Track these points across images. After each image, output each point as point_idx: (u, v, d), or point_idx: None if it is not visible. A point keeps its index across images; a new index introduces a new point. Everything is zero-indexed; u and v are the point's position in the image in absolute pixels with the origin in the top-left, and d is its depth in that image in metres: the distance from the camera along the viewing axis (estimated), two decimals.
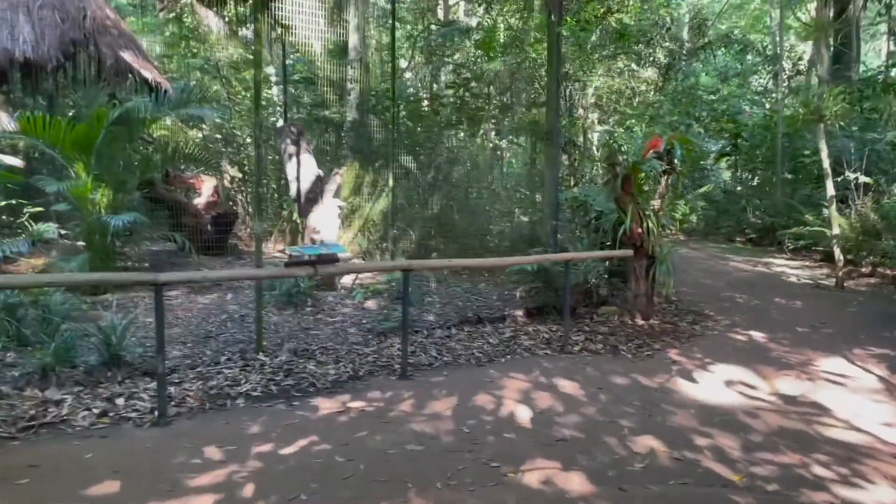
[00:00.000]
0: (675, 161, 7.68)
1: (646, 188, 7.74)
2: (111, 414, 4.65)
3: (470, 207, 11.81)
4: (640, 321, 7.93)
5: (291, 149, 8.53)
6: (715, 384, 6.07)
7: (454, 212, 11.58)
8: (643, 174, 7.68)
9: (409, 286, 5.92)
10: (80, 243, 9.21)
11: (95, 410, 4.65)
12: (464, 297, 9.01)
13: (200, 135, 14.86)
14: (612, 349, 7.08)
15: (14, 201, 9.64)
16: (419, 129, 14.26)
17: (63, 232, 10.13)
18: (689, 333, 7.71)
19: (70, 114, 9.17)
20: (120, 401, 4.86)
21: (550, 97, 8.72)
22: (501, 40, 14.10)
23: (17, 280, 3.60)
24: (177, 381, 5.37)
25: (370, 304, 8.33)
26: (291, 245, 13.03)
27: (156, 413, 4.61)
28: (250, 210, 14.91)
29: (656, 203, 7.86)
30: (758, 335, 7.74)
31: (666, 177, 7.78)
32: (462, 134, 16.01)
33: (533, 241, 8.97)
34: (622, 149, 7.82)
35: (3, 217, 10.00)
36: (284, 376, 5.64)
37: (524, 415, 5.06)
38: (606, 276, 8.38)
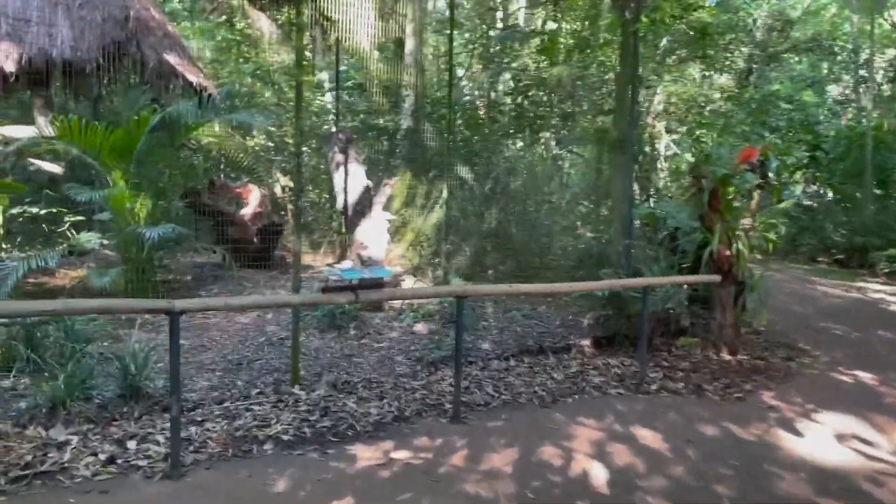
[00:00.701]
0: (770, 174, 6.76)
1: (736, 204, 6.83)
2: (119, 461, 4.05)
3: (529, 222, 11.03)
4: (725, 356, 7.02)
5: (339, 157, 7.94)
6: (824, 438, 5.15)
7: (512, 226, 10.80)
8: (733, 188, 6.78)
9: (462, 314, 5.19)
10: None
11: (102, 456, 4.05)
12: (522, 321, 8.23)
13: (251, 142, 14.52)
14: (695, 389, 6.21)
15: (55, 209, 9.33)
16: (476, 138, 13.57)
17: (105, 242, 9.80)
18: (783, 372, 6.76)
19: (112, 119, 8.80)
20: (132, 444, 4.27)
21: (623, 103, 7.90)
22: (565, 44, 13.31)
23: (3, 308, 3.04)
24: (199, 419, 4.75)
25: (420, 327, 7.63)
26: (339, 260, 12.49)
27: (169, 461, 3.99)
28: (302, 219, 14.46)
29: (747, 221, 6.94)
30: (865, 376, 6.74)
31: (759, 192, 6.86)
32: (520, 143, 15.27)
33: (601, 261, 8.14)
34: (711, 158, 6.94)
35: (44, 226, 9.71)
36: (321, 416, 4.97)
37: (599, 475, 4.27)
38: (686, 303, 7.47)
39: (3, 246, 9.06)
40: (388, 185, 8.17)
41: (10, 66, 7.52)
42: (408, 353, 6.82)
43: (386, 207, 8.46)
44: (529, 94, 15.25)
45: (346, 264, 11.06)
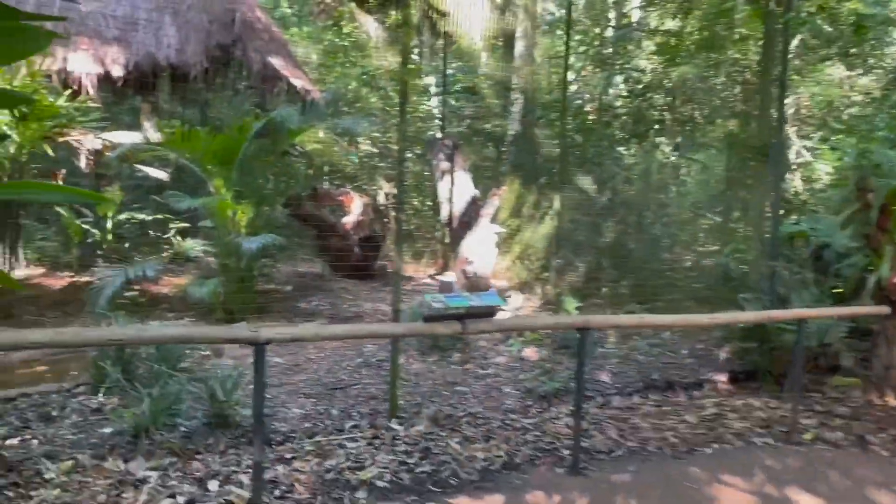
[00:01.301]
0: None
1: None
2: None
3: (649, 236, 10.13)
4: (893, 401, 5.97)
5: (444, 165, 7.44)
6: None
7: (630, 240, 9.96)
8: None
9: (585, 349, 4.51)
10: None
11: (181, 499, 3.67)
12: (645, 349, 7.41)
13: (356, 150, 14.36)
14: (858, 441, 5.26)
15: (161, 216, 9.35)
16: (589, 143, 12.78)
17: (210, 250, 9.74)
18: None
19: (218, 124, 8.71)
20: (213, 484, 3.87)
21: (767, 104, 6.96)
22: (690, 42, 12.28)
23: (46, 338, 2.67)
24: (288, 456, 4.32)
25: (529, 353, 6.98)
26: (442, 271, 12.01)
27: None
28: (404, 228, 14.15)
29: None
30: None
31: None
32: (637, 149, 14.31)
33: (739, 284, 7.20)
34: (882, 168, 5.91)
35: (150, 232, 9.77)
36: (420, 458, 4.43)
37: None
38: (843, 337, 6.45)
39: (111, 252, 9.16)
40: (496, 195, 7.60)
41: (117, 71, 7.53)
42: (516, 382, 6.20)
43: (493, 219, 7.88)
44: (647, 96, 14.27)
45: (450, 277, 10.55)
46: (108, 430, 4.42)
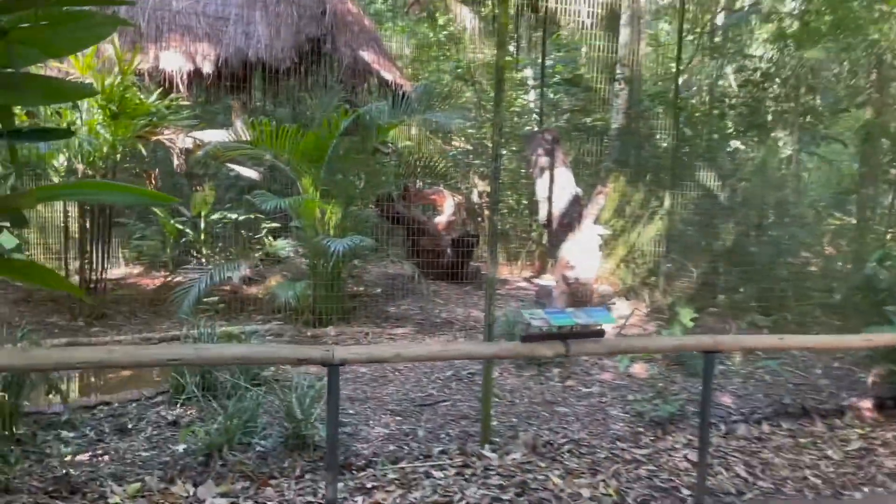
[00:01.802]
0: None
1: None
2: None
3: (770, 238, 9.16)
4: None
5: (544, 161, 6.87)
6: None
7: (751, 242, 9.03)
8: None
9: (711, 373, 3.86)
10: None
11: None
12: (773, 367, 6.58)
13: (450, 147, 13.97)
14: None
15: (252, 216, 9.25)
16: (701, 137, 11.84)
17: (300, 250, 9.58)
18: None
19: (309, 121, 8.50)
20: None
21: None
22: (820, 21, 11.12)
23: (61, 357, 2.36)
24: (369, 485, 3.89)
25: (638, 369, 6.32)
26: (539, 273, 11.42)
27: None
28: (499, 229, 13.63)
29: None
30: None
31: None
32: (754, 143, 13.18)
33: (888, 295, 6.26)
34: None
35: (243, 232, 9.70)
36: (516, 494, 3.91)
37: None
38: None
39: (203, 252, 9.14)
40: (601, 192, 6.96)
41: (207, 67, 7.42)
42: (624, 404, 5.56)
43: (597, 219, 7.25)
44: (765, 85, 13.12)
45: (547, 281, 9.96)
46: (181, 447, 4.14)
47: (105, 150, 7.25)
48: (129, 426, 4.54)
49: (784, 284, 8.22)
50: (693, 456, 4.53)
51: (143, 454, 4.11)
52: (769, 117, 13.26)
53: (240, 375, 5.12)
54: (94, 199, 5.32)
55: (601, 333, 3.50)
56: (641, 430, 5.01)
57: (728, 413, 5.46)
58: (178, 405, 4.86)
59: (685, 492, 4.06)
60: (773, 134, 13.49)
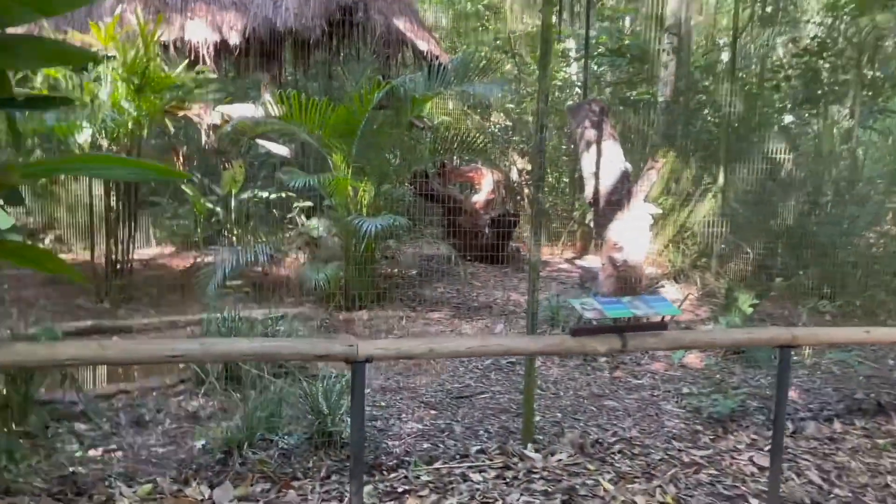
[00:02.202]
0: None
1: None
2: None
3: (831, 217, 8.54)
4: None
5: (590, 134, 6.40)
6: None
7: (810, 221, 8.43)
8: None
9: (788, 371, 3.42)
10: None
11: None
12: (842, 358, 6.05)
13: (488, 123, 13.50)
14: None
15: (284, 194, 8.95)
16: (755, 111, 11.15)
17: (334, 230, 9.28)
18: None
19: (338, 94, 8.14)
20: None
21: None
22: None
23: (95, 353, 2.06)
24: (401, 489, 3.56)
25: (692, 359, 5.86)
26: (581, 254, 10.95)
27: None
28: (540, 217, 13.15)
29: None
30: None
31: None
32: (811, 116, 12.42)
33: None
34: None
35: (275, 211, 9.43)
36: (563, 502, 3.52)
37: None
38: None
39: (234, 231, 8.90)
40: (653, 168, 6.47)
41: (234, 38, 7.10)
42: (678, 397, 5.14)
43: (647, 197, 6.76)
44: (825, 55, 12.32)
45: (592, 263, 9.50)
46: (199, 443, 3.86)
47: (130, 125, 7.00)
48: (147, 418, 4.28)
49: (848, 268, 7.64)
50: (759, 459, 4.11)
51: (159, 450, 3.85)
52: (826, 89, 12.47)
53: (263, 364, 4.85)
54: (88, 174, 5.03)
55: (663, 326, 3.08)
56: (699, 427, 4.59)
57: (795, 409, 4.99)
58: (200, 395, 4.59)
59: (753, 501, 3.64)
60: (831, 107, 12.70)
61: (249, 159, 9.30)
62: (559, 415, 4.69)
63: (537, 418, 4.44)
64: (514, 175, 13.53)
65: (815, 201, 8.77)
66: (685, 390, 5.26)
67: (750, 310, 6.05)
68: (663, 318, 3.07)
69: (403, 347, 2.75)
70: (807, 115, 12.28)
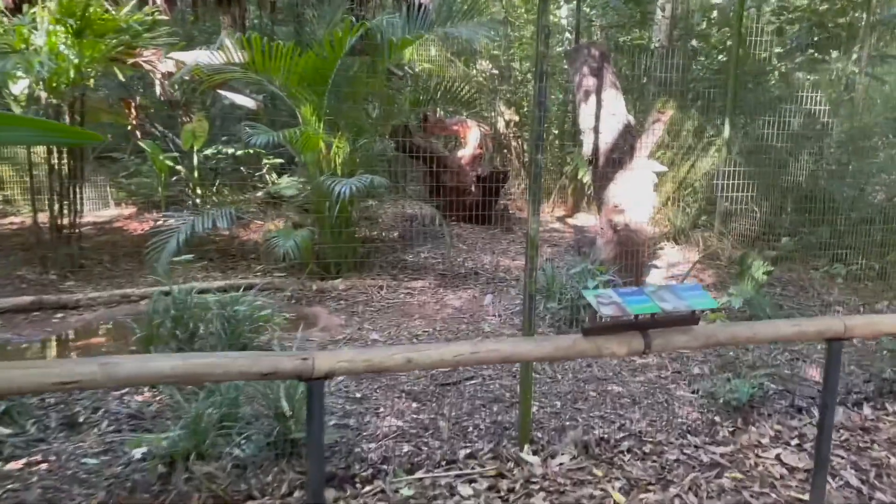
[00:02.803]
0: None
1: None
2: None
3: (840, 170, 7.98)
4: None
5: (589, 82, 5.74)
6: None
7: (821, 178, 7.87)
8: None
9: (838, 370, 2.88)
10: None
11: None
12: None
13: (474, 72, 12.70)
14: None
15: (252, 150, 8.25)
16: (755, 57, 10.48)
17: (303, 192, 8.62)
18: None
19: (307, 39, 7.36)
20: None
21: None
22: None
23: None
24: (375, 500, 3.02)
25: None
26: (572, 212, 10.37)
27: None
28: (526, 161, 12.51)
29: None
30: None
31: None
32: (815, 62, 11.77)
33: None
34: None
35: (242, 169, 8.74)
36: None
37: None
38: None
39: (198, 191, 8.22)
40: (659, 120, 5.85)
41: None
42: (689, 379, 4.63)
43: (652, 154, 6.16)
44: None
45: (585, 222, 8.94)
46: (138, 452, 3.29)
47: (71, 74, 6.25)
48: (81, 419, 3.70)
49: (863, 227, 7.12)
50: (788, 457, 3.63)
51: (90, 462, 3.27)
52: (837, 33, 11.80)
53: (229, 341, 4.28)
54: None
55: (694, 320, 2.52)
56: (716, 418, 4.08)
57: (818, 392, 4.50)
58: (145, 389, 4.01)
59: None
60: (835, 52, 12.05)
61: (213, 113, 8.55)
62: (558, 404, 4.17)
63: (534, 408, 3.93)
64: (502, 126, 12.84)
65: (825, 153, 8.20)
66: (696, 370, 4.75)
67: (764, 277, 5.53)
68: (694, 311, 2.50)
69: (375, 359, 2.16)
70: (811, 61, 11.62)
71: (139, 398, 3.95)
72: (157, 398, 3.94)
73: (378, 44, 6.77)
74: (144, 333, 4.27)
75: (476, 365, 4.10)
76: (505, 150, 13.05)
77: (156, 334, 4.27)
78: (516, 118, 13.06)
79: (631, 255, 5.77)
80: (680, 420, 4.05)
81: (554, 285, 5.58)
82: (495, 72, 13.01)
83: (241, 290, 4.68)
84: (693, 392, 4.41)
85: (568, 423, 3.91)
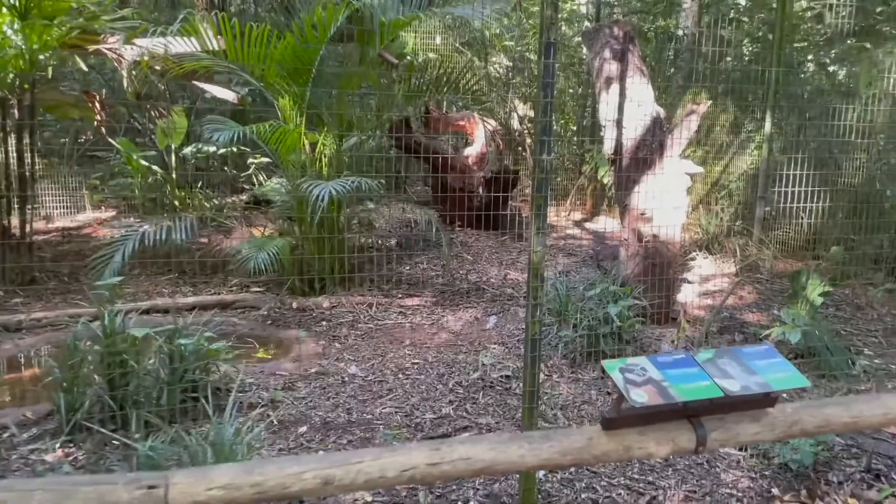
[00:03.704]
0: None
1: None
2: None
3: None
4: None
5: (611, 67, 4.90)
6: None
7: (878, 179, 6.96)
8: None
9: None
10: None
11: None
12: None
13: (483, 63, 11.88)
14: None
15: (235, 149, 7.52)
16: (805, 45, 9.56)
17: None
18: None
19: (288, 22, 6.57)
20: None
21: None
22: None
23: None
24: None
25: None
26: (591, 216, 9.52)
27: None
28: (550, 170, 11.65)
29: None
30: None
31: None
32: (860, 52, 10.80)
33: None
34: None
35: (226, 169, 7.99)
36: None
37: None
38: None
39: (176, 193, 7.46)
40: (694, 112, 4.99)
41: None
42: None
43: (684, 152, 5.30)
44: None
45: (605, 227, 8.08)
46: None
47: (20, 63, 5.52)
48: None
49: None
50: None
51: None
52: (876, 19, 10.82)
53: (162, 385, 3.52)
54: None
55: (770, 402, 1.70)
56: (772, 487, 3.24)
57: (888, 449, 3.64)
58: (66, 439, 3.26)
59: None
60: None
61: (190, 106, 7.79)
62: (570, 472, 3.34)
63: (541, 473, 3.11)
64: (516, 123, 12.02)
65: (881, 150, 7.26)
66: None
67: (820, 300, 4.66)
68: (771, 395, 1.68)
69: (270, 481, 1.37)
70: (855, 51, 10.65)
71: (57, 451, 3.19)
72: (80, 454, 3.18)
73: (371, 29, 5.97)
74: (65, 374, 3.50)
75: (441, 482, 3.14)
76: (520, 148, 12.24)
77: (78, 374, 3.51)
78: (531, 113, 12.25)
79: (660, 270, 4.93)
80: (726, 490, 3.21)
81: (569, 308, 4.75)
82: (509, 64, 12.20)
83: (197, 310, 3.92)
84: (741, 450, 3.57)
85: (584, 493, 3.09)
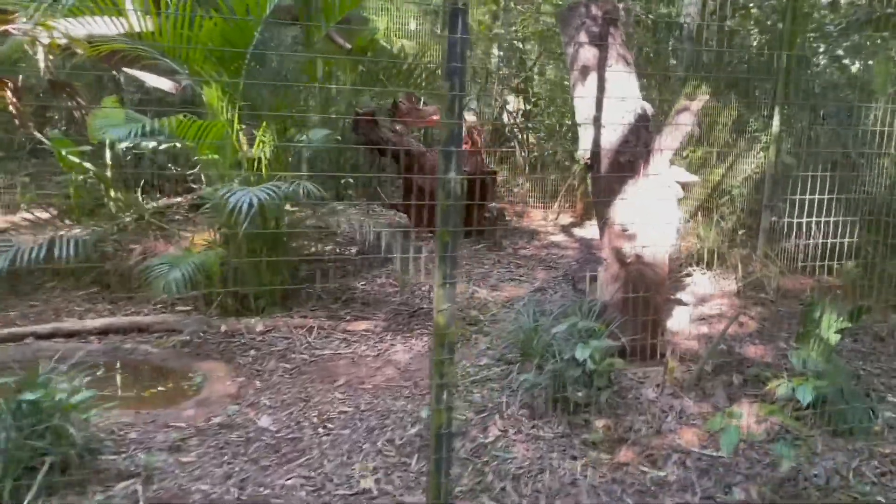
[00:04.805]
0: None
1: None
2: None
3: None
4: None
5: (588, 54, 4.11)
6: None
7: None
8: None
9: None
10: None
11: None
12: None
13: (469, 53, 11.08)
14: None
15: (175, 145, 6.71)
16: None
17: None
18: None
19: None
20: None
21: None
22: None
23: None
24: None
25: (752, 425, 3.69)
26: (581, 219, 8.76)
27: None
28: (533, 156, 10.91)
29: None
30: None
31: None
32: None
33: None
34: None
35: (171, 167, 7.23)
36: None
37: None
38: None
39: (112, 195, 6.69)
40: (687, 109, 4.20)
41: None
42: (749, 478, 3.02)
43: (674, 158, 4.51)
44: None
45: (591, 232, 7.30)
46: None
47: None
48: None
49: None
50: None
51: None
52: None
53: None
54: None
55: None
56: None
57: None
58: None
59: None
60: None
61: (127, 97, 7.03)
62: None
63: None
64: (507, 117, 11.26)
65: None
66: (740, 496, 3.12)
67: (836, 337, 3.87)
68: None
69: None
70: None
71: None
72: None
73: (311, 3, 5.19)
74: None
75: None
76: (509, 142, 11.48)
77: None
78: (523, 106, 11.48)
79: (644, 299, 4.14)
80: None
81: (535, 344, 3.97)
82: (500, 53, 11.41)
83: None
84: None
85: None
